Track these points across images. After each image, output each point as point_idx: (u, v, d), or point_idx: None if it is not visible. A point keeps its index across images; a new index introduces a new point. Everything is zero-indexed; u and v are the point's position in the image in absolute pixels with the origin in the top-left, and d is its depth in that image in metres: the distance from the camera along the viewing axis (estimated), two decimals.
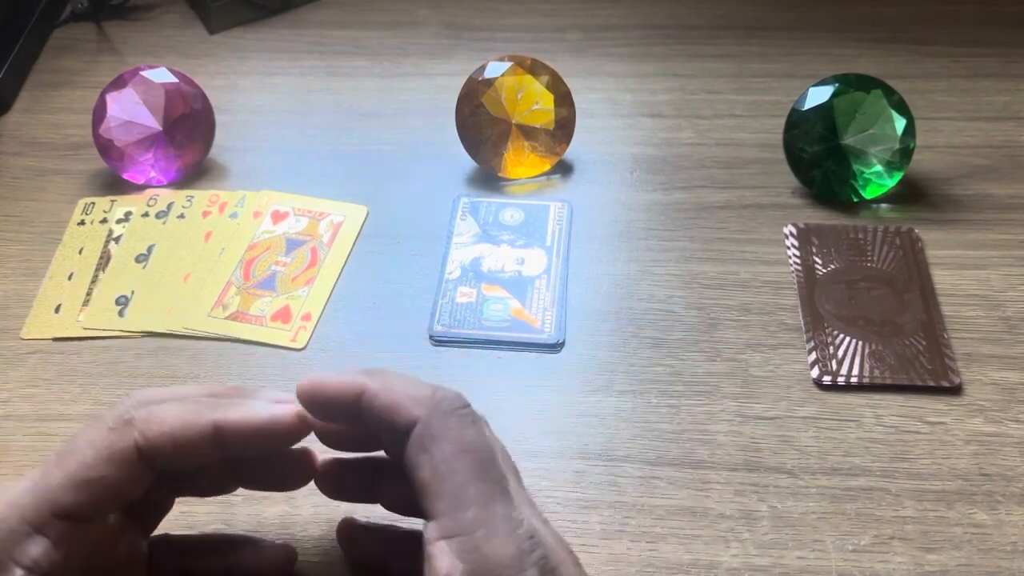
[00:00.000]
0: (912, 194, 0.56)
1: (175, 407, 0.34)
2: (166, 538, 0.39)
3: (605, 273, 0.53)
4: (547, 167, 0.58)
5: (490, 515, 0.31)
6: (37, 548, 0.32)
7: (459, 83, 0.56)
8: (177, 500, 0.38)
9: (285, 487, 0.39)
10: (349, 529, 0.40)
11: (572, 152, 0.58)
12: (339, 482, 0.38)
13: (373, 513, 0.39)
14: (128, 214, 0.56)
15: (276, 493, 0.43)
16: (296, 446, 0.37)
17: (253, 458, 0.37)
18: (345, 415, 0.34)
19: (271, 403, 0.35)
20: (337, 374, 0.34)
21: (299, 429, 0.35)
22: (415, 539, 0.38)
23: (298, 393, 0.35)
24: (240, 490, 0.39)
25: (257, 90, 0.65)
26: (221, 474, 0.37)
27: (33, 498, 0.32)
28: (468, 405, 0.34)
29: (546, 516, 0.34)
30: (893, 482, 0.43)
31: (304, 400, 0.35)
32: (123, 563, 0.36)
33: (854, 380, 0.47)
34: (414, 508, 0.36)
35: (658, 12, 0.70)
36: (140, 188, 0.58)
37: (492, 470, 0.32)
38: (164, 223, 0.56)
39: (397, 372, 0.34)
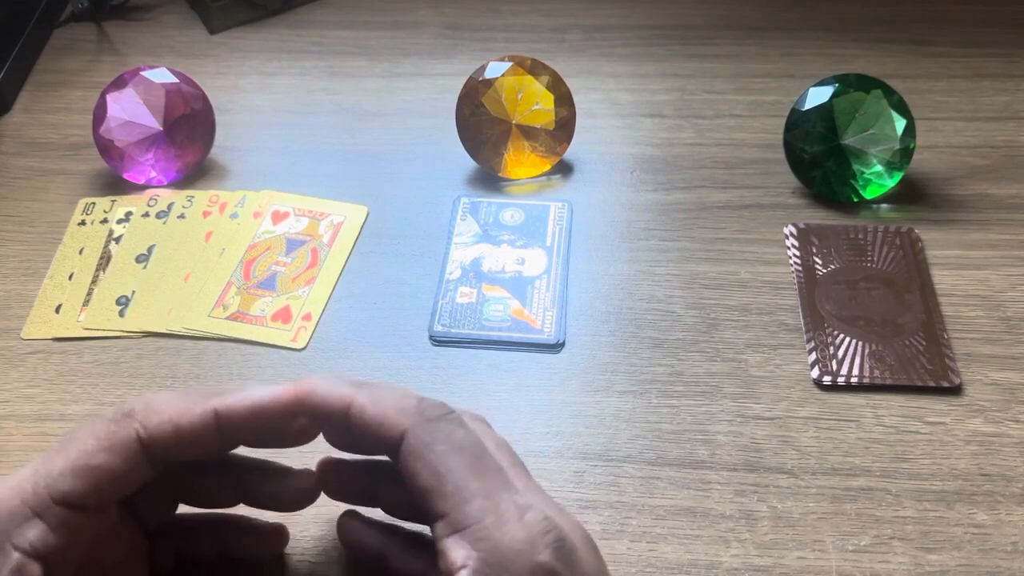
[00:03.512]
0: (912, 194, 0.56)
1: (174, 397, 0.34)
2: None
3: (605, 273, 0.53)
4: (547, 167, 0.58)
5: (496, 503, 0.32)
6: (34, 531, 0.32)
7: (459, 83, 0.56)
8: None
9: (286, 506, 0.39)
10: (350, 521, 0.40)
11: (572, 152, 0.58)
12: (340, 482, 0.38)
13: (373, 514, 0.39)
14: (128, 214, 0.56)
15: None
16: (301, 467, 0.38)
17: (255, 471, 0.38)
18: (335, 426, 0.35)
19: (267, 386, 0.35)
20: (327, 383, 0.34)
21: (296, 404, 0.34)
22: (416, 539, 0.38)
23: (293, 397, 0.35)
24: None
25: (257, 90, 0.65)
26: (223, 484, 0.37)
27: (33, 483, 0.32)
28: (454, 411, 0.34)
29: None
30: (893, 482, 0.43)
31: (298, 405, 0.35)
32: (124, 558, 0.36)
33: (854, 380, 0.47)
34: (413, 512, 0.36)
35: (658, 12, 0.71)
36: (140, 188, 0.58)
37: (487, 462, 0.33)
38: (164, 223, 0.56)
39: (385, 383, 0.35)
